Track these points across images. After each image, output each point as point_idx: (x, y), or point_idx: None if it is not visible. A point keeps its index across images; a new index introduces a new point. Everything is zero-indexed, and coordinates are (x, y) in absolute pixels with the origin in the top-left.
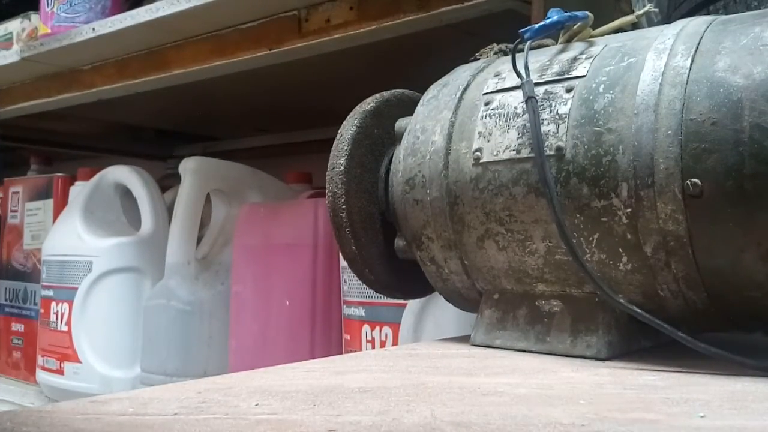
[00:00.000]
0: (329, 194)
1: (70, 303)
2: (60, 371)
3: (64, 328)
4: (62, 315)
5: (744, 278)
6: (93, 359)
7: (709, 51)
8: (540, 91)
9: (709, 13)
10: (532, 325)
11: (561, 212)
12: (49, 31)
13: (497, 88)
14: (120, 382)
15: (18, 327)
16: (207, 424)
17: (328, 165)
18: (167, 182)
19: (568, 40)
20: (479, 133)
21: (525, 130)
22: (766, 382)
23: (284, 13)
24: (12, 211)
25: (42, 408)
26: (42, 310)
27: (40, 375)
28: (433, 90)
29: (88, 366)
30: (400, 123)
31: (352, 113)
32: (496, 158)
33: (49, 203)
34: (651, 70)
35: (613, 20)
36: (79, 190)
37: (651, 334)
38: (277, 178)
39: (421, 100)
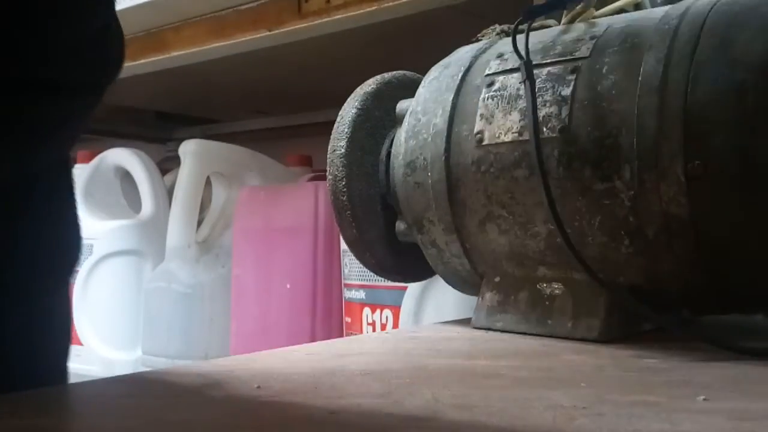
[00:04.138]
0: (330, 177)
1: (71, 285)
2: None
3: None
4: None
5: (745, 260)
6: (94, 342)
7: (714, 32)
8: (543, 72)
9: None
10: (533, 308)
11: (554, 196)
12: None
13: (499, 70)
14: (121, 364)
15: None
16: (208, 406)
17: (329, 147)
18: (167, 165)
19: (571, 21)
20: (481, 115)
21: (527, 112)
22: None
23: None
24: None
25: (43, 391)
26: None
27: None
28: (434, 71)
29: (90, 348)
30: (401, 105)
31: (352, 95)
32: (497, 140)
33: None
34: (655, 51)
35: (616, 0)
36: (78, 173)
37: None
38: (277, 160)
39: (422, 82)
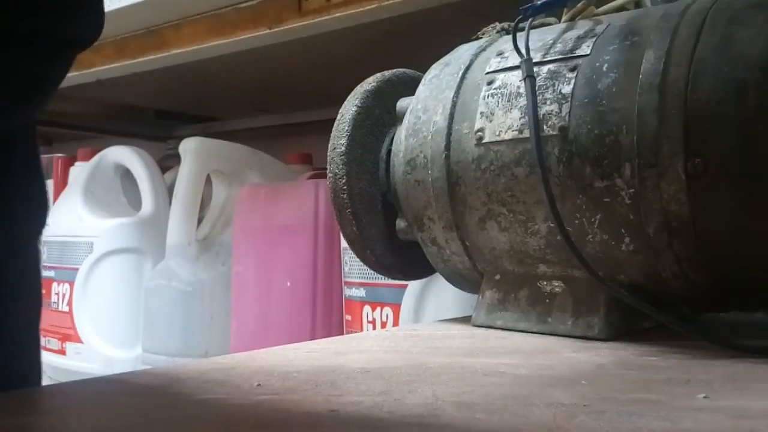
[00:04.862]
0: (330, 175)
1: (71, 283)
2: (62, 351)
3: (66, 309)
4: (63, 295)
5: (746, 259)
6: (94, 339)
7: (714, 31)
8: (543, 70)
9: None
10: (533, 305)
11: (554, 194)
12: None
13: (500, 68)
14: (121, 362)
15: None
16: (208, 404)
17: (329, 145)
18: (167, 163)
19: (572, 19)
20: (481, 113)
21: (528, 110)
22: None
23: None
24: None
25: (43, 389)
26: (43, 291)
27: (42, 355)
28: (434, 69)
29: (90, 346)
30: (402, 103)
31: (353, 93)
32: (498, 138)
33: (49, 184)
34: (655, 49)
35: None
36: (79, 171)
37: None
38: (278, 158)
39: (422, 80)
